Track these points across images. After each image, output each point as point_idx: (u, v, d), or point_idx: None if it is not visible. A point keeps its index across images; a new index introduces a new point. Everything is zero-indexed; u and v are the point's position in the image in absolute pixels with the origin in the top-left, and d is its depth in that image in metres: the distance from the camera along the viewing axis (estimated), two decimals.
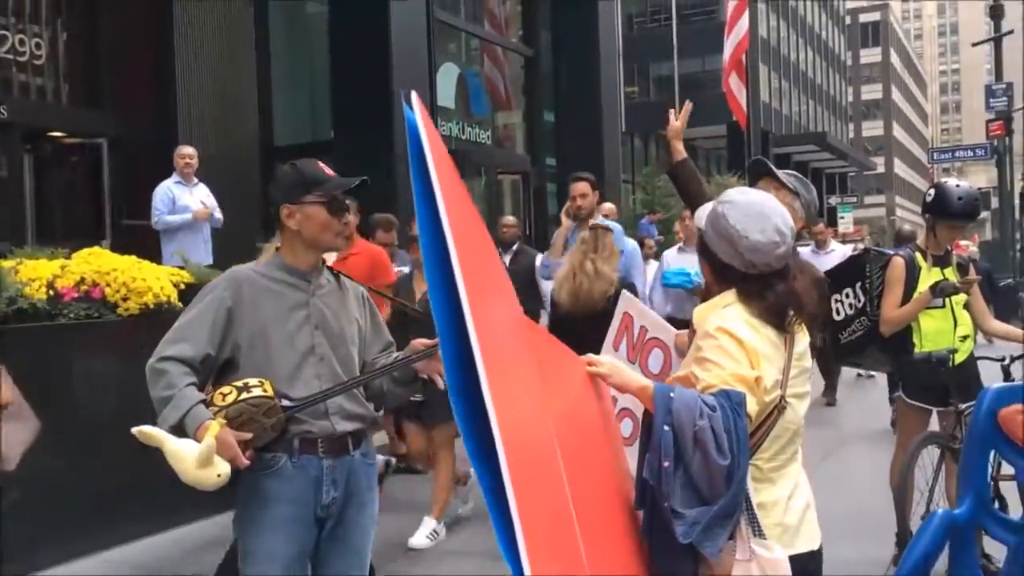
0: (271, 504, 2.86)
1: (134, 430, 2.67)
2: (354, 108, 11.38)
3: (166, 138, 8.80)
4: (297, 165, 3.01)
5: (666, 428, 2.12)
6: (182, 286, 6.16)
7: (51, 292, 5.54)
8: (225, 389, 2.77)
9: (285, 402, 2.82)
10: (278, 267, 2.99)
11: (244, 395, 2.75)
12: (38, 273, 5.60)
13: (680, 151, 3.84)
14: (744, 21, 10.41)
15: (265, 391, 2.78)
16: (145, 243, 7.70)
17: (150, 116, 9.25)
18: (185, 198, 8.19)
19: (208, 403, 2.74)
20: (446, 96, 14.07)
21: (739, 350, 2.30)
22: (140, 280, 5.86)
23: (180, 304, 6.07)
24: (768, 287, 2.41)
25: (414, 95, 2.20)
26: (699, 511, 2.10)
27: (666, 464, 2.10)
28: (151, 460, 2.58)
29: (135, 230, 8.79)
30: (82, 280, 5.73)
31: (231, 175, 9.15)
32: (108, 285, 5.78)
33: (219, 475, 2.64)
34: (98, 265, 5.85)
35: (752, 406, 2.25)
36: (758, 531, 2.23)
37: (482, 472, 1.81)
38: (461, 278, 1.84)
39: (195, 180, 8.32)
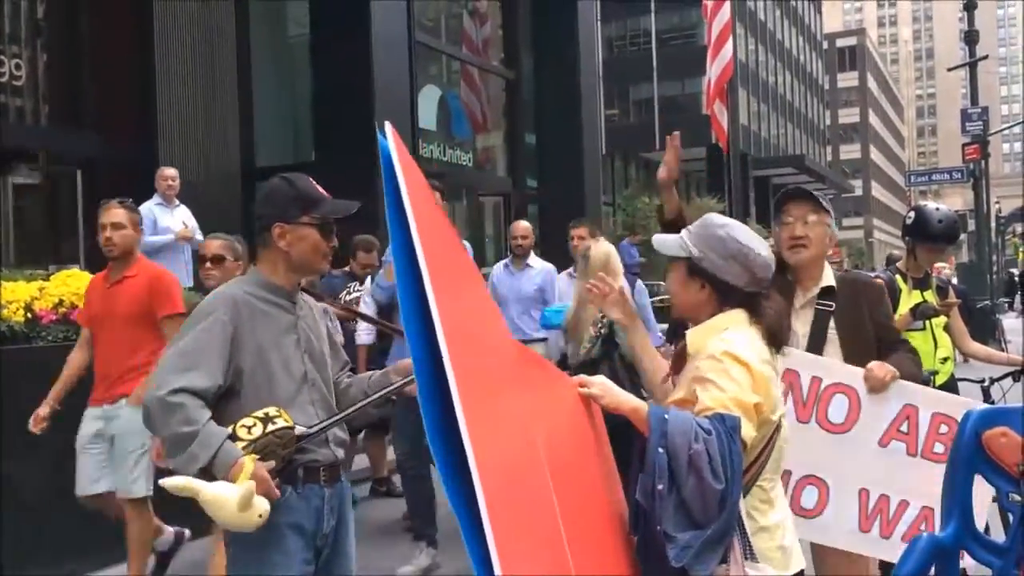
0: (281, 538, 2.68)
1: (162, 482, 2.50)
2: (336, 129, 11.37)
3: (147, 159, 8.75)
4: (291, 180, 2.82)
5: (660, 451, 2.10)
6: None
7: (29, 314, 5.49)
8: (248, 421, 2.60)
9: (299, 430, 2.68)
10: (263, 287, 2.80)
11: (270, 427, 2.59)
12: (16, 295, 5.54)
13: (675, 201, 3.38)
14: (728, 48, 10.44)
15: (286, 421, 2.63)
16: None
17: (131, 137, 9.20)
18: (166, 219, 8.14)
19: (232, 437, 2.56)
20: (427, 118, 14.09)
21: (745, 375, 2.28)
22: None
23: None
24: (766, 303, 2.44)
25: (388, 126, 2.15)
26: (692, 535, 2.08)
27: (660, 487, 2.09)
28: None
29: None
30: (60, 302, 5.67)
31: (212, 197, 9.10)
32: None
33: (260, 515, 2.48)
34: (77, 287, 5.79)
35: (749, 431, 2.24)
36: (750, 554, 2.23)
37: (452, 491, 1.79)
38: (435, 304, 1.84)
39: (176, 202, 8.29)
